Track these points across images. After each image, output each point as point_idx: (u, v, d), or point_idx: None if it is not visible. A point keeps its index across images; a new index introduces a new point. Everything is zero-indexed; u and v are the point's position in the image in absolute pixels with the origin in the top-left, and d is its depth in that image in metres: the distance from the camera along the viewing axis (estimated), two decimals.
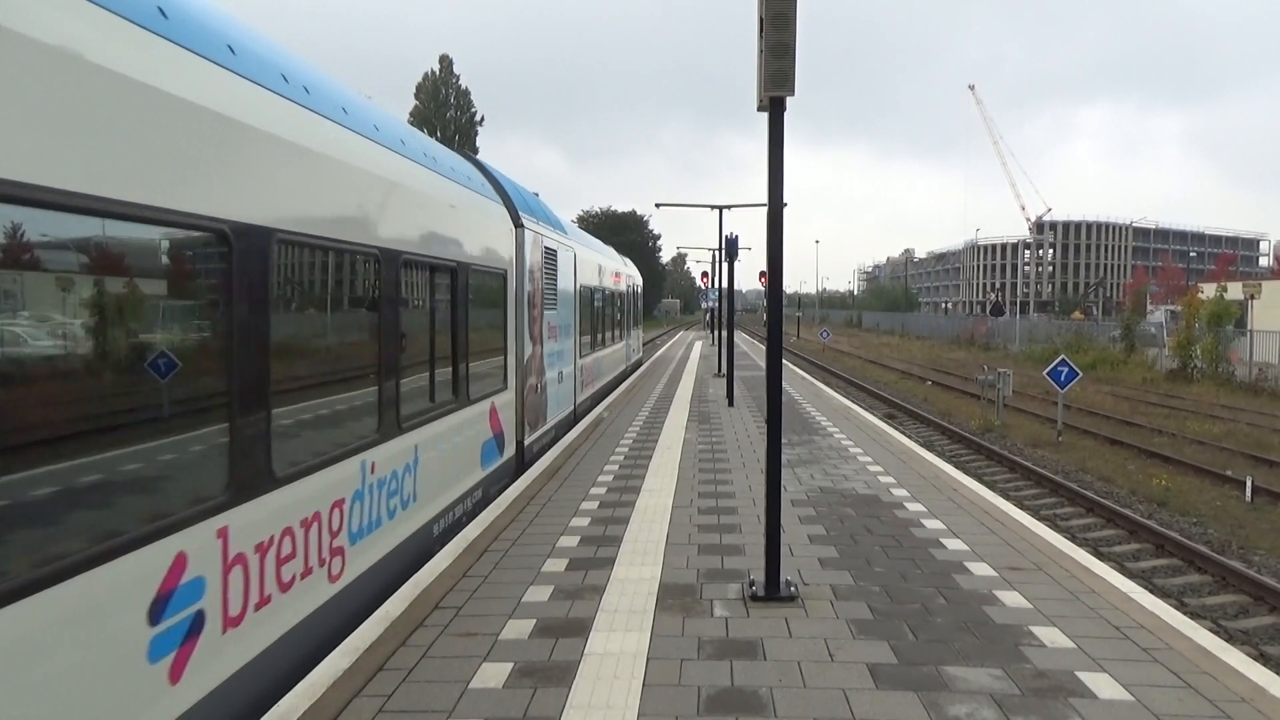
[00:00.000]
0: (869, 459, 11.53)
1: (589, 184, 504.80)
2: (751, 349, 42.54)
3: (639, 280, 30.25)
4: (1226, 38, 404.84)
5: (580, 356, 15.93)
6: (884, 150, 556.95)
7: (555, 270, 13.02)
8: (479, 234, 8.91)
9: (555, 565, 6.81)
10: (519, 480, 9.95)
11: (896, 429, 16.22)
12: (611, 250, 25.48)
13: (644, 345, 56.32)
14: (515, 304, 10.48)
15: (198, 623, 4.01)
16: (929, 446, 16.51)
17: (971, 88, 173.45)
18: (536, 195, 14.84)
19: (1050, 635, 5.36)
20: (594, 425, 14.80)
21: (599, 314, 19.15)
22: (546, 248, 12.33)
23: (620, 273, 24.21)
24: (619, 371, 23.52)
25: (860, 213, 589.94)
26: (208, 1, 4.66)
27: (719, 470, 10.70)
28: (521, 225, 10.81)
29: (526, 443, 10.92)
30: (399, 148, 6.87)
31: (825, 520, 8.24)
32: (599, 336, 19.17)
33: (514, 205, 10.79)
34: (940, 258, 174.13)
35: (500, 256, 9.85)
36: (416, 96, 72.70)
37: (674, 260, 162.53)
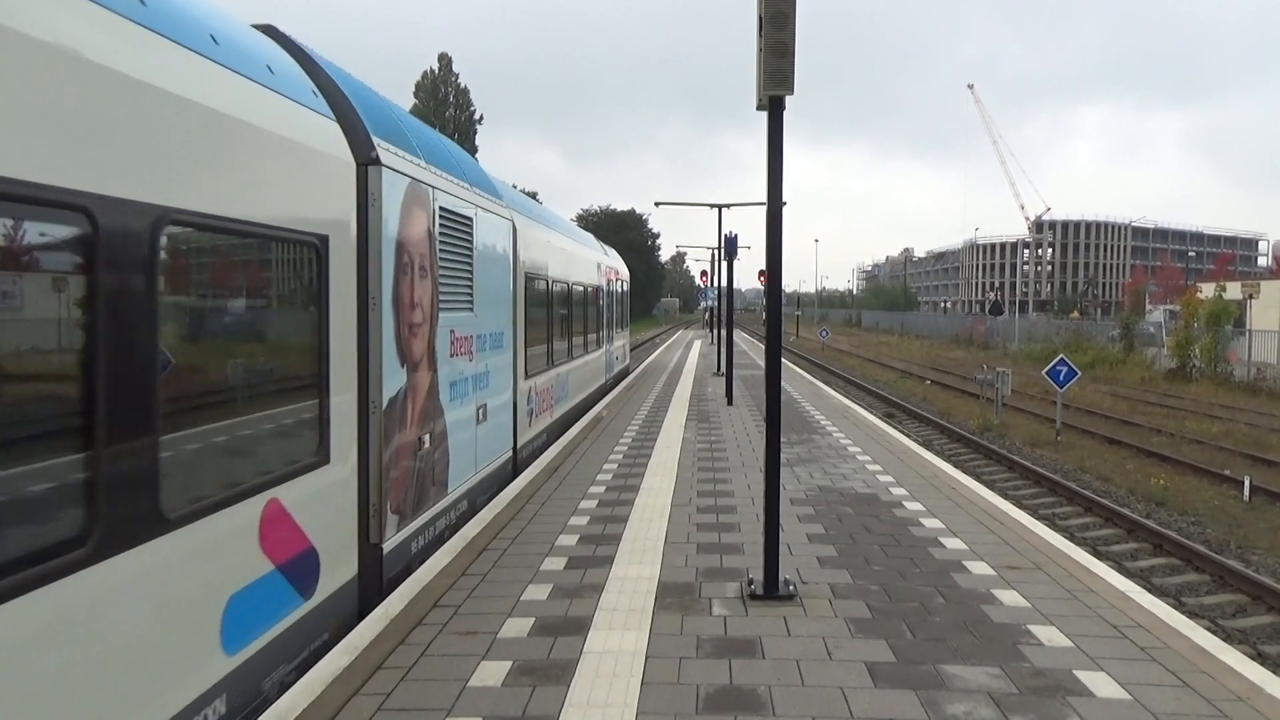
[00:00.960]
0: (868, 458, 11.54)
1: (588, 183, 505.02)
2: (751, 348, 42.54)
3: (624, 273, 24.68)
4: (1226, 38, 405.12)
5: (526, 376, 11.31)
6: (883, 149, 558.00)
7: (470, 248, 8.41)
8: (233, 159, 4.45)
9: (554, 564, 6.82)
10: (362, 625, 5.57)
11: (895, 428, 16.23)
12: (588, 235, 20.94)
13: (638, 347, 55.93)
14: (355, 300, 5.90)
15: None
16: (928, 445, 16.52)
17: (970, 87, 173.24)
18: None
19: (1048, 634, 5.37)
20: (593, 424, 14.82)
21: (561, 316, 14.29)
22: (446, 210, 7.68)
23: (598, 262, 19.42)
24: (596, 388, 18.92)
25: (859, 212, 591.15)
26: None
27: (718, 469, 10.71)
28: (376, 161, 6.13)
29: (391, 545, 6.36)
30: None
31: (824, 519, 8.25)
32: (562, 347, 14.36)
33: (362, 125, 6.16)
34: (939, 257, 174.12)
35: (309, 209, 5.25)
36: (416, 95, 72.80)
37: (673, 259, 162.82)
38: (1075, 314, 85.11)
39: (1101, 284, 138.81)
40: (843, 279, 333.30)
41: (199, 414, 4.28)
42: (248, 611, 4.53)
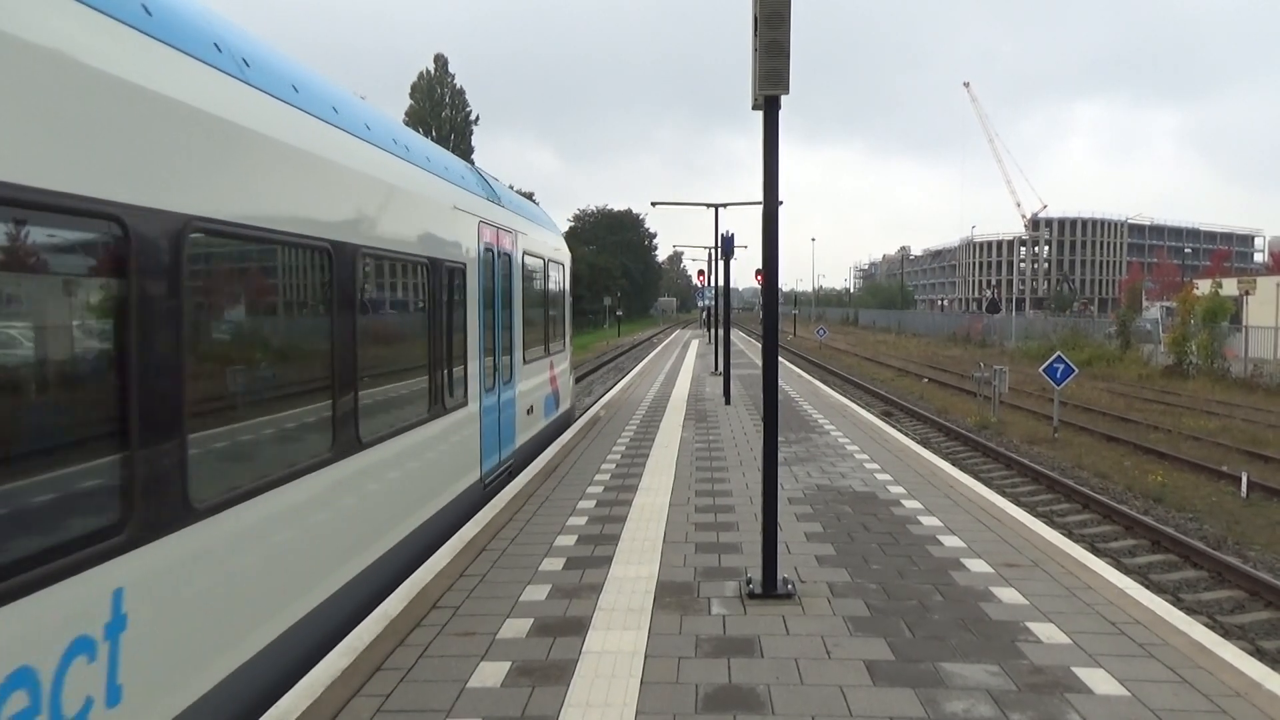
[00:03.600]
0: (865, 456, 11.54)
1: (584, 184, 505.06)
2: (748, 347, 42.55)
3: (557, 251, 14.32)
4: (1220, 33, 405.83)
5: None
6: (879, 148, 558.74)
7: None
8: None
9: (553, 564, 6.82)
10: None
11: (893, 426, 16.24)
12: (453, 160, 9.70)
13: (629, 350, 55.33)
14: None
15: None
16: (925, 444, 16.53)
17: (966, 85, 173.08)
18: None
19: (1047, 631, 5.38)
20: (591, 424, 14.81)
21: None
22: None
23: (465, 215, 8.94)
24: (433, 516, 7.65)
25: (856, 210, 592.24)
26: None
27: (716, 468, 10.71)
28: None
29: None
30: None
31: (822, 518, 8.25)
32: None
33: None
34: (936, 255, 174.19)
35: None
36: (412, 96, 72.74)
37: (670, 259, 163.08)
38: (1067, 312, 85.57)
39: (1097, 281, 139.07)
40: (840, 277, 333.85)
41: None
42: None
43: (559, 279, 14.58)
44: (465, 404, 8.59)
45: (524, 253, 11.48)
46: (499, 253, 10.15)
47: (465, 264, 8.67)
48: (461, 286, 8.63)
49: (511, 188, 13.54)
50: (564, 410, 14.87)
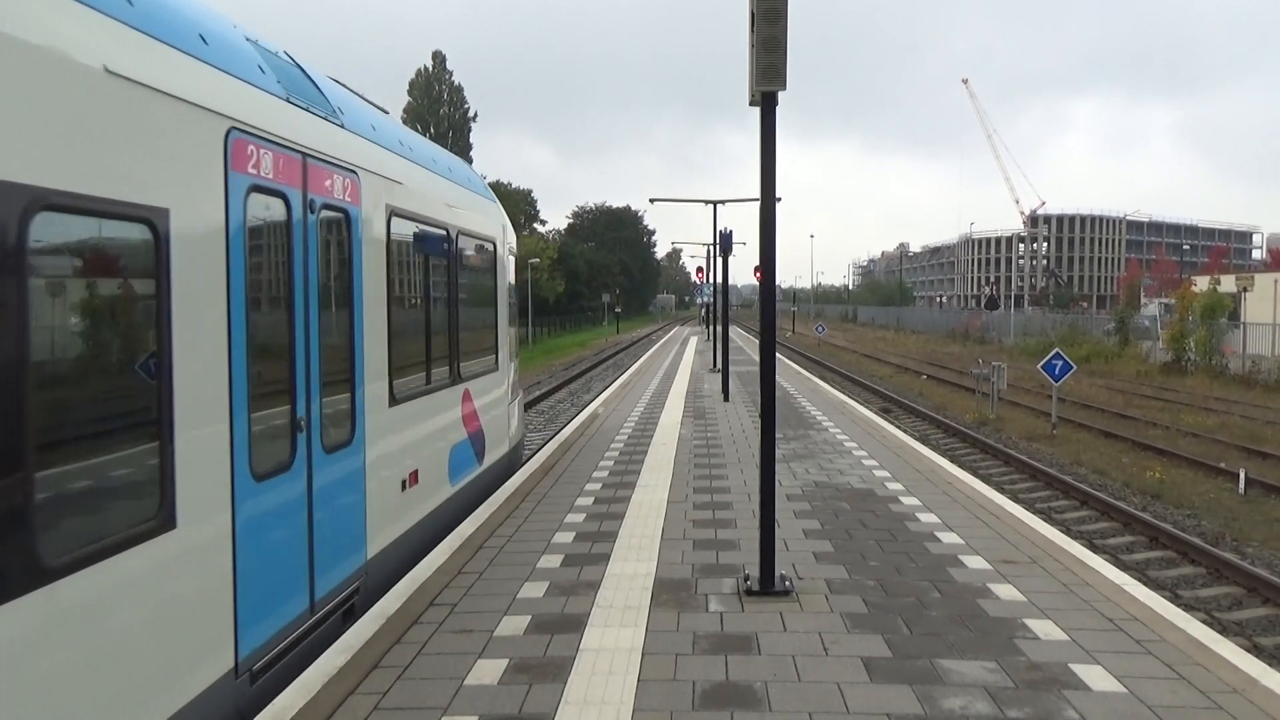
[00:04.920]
0: (864, 453, 11.54)
1: (582, 182, 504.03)
2: (747, 344, 42.56)
3: (487, 228, 9.61)
4: (1219, 30, 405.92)
5: None
6: (877, 144, 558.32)
7: None
8: None
9: (550, 561, 6.82)
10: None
11: (891, 423, 16.24)
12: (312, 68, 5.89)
13: (628, 346, 55.02)
14: None
15: None
16: (924, 440, 16.53)
17: (965, 82, 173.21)
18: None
19: (1044, 628, 5.38)
20: (590, 421, 14.81)
21: None
22: None
23: (250, 132, 4.59)
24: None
25: (855, 207, 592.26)
26: None
27: (714, 465, 10.71)
28: None
29: None
30: None
31: (820, 515, 8.25)
32: None
33: None
34: (935, 252, 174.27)
35: None
36: (410, 93, 72.66)
37: (669, 256, 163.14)
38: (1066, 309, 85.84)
39: (1096, 278, 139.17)
40: (838, 274, 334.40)
41: None
42: None
43: (486, 265, 9.80)
44: (167, 526, 3.89)
45: (393, 213, 6.77)
46: (311, 204, 5.38)
47: (165, 210, 3.92)
48: (152, 265, 3.91)
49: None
50: (500, 457, 10.13)
